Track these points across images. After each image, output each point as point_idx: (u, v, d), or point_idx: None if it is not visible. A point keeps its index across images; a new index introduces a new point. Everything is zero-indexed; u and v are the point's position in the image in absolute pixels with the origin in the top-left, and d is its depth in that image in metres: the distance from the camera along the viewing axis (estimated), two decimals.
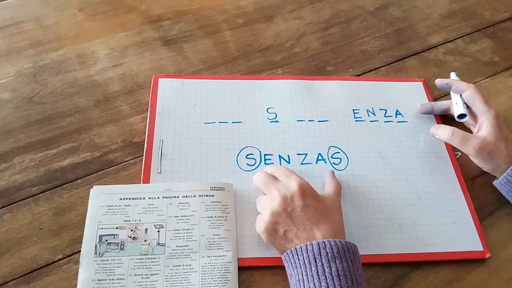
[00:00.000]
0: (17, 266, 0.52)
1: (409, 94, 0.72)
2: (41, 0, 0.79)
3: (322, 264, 0.46)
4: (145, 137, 0.62)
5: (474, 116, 0.64)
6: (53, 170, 0.59)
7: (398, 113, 0.70)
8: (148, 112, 0.65)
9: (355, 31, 0.82)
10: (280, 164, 0.62)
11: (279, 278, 0.54)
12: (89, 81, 0.69)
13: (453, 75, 0.71)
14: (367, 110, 0.69)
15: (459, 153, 0.66)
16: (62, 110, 0.65)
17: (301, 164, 0.63)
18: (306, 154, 0.64)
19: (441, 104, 0.69)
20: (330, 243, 0.47)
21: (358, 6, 0.86)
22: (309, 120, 0.67)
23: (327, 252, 0.46)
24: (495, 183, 0.61)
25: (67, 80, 0.69)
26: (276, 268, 0.54)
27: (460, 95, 0.65)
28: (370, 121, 0.68)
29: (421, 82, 0.74)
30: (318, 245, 0.47)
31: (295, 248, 0.48)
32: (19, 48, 0.72)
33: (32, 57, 0.71)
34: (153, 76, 0.69)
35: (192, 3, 0.82)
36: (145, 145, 0.61)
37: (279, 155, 0.63)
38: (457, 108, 0.65)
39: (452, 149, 0.67)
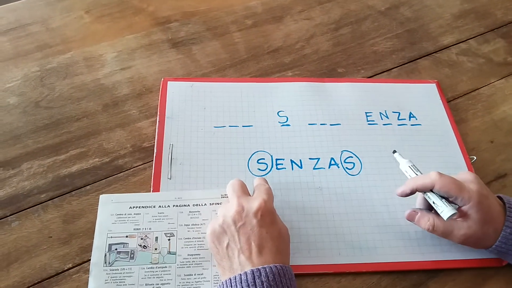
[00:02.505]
0: (27, 276, 0.51)
1: (423, 96, 0.71)
2: (47, 2, 0.78)
3: None
4: (154, 142, 0.61)
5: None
6: (62, 176, 0.58)
7: (411, 116, 0.68)
8: (157, 116, 0.64)
9: (366, 32, 0.81)
10: (292, 169, 0.61)
11: None
12: (97, 84, 0.68)
13: (399, 159, 0.58)
14: (380, 113, 0.68)
15: (475, 157, 0.65)
16: (70, 114, 0.64)
17: (314, 169, 0.61)
18: (319, 159, 0.62)
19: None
20: (266, 270, 0.44)
21: (368, 6, 0.85)
22: (321, 124, 0.66)
23: (262, 281, 0.44)
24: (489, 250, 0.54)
25: (74, 84, 0.67)
26: None
27: (431, 190, 0.53)
28: (383, 125, 0.67)
29: (434, 84, 0.73)
30: (253, 273, 0.44)
31: (230, 279, 0.45)
32: (26, 51, 0.71)
33: (39, 60, 0.70)
34: (162, 79, 0.68)
35: (200, 4, 0.81)
36: (155, 150, 0.60)
37: (291, 160, 0.62)
38: (440, 209, 0.52)
39: (467, 153, 0.65)
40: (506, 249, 0.51)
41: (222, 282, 0.46)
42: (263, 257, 0.46)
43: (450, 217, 0.51)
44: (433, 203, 0.53)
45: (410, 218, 0.55)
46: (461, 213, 0.52)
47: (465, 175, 0.54)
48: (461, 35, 0.82)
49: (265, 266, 0.45)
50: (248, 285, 0.44)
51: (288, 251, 0.51)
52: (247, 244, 0.47)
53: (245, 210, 0.49)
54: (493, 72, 0.77)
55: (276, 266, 0.45)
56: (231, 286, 0.45)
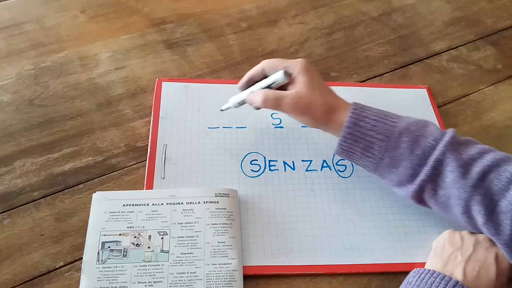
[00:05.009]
0: (18, 273, 0.51)
1: (413, 101, 0.72)
2: (42, 1, 0.78)
3: None
4: (148, 142, 0.62)
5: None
6: (55, 175, 0.58)
7: None
8: (152, 116, 0.64)
9: (359, 37, 0.82)
10: (285, 171, 0.62)
11: (283, 287, 0.53)
12: (91, 84, 0.68)
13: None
14: None
15: None
16: (64, 113, 0.64)
17: (306, 170, 0.62)
18: (311, 161, 0.63)
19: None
20: None
21: (361, 12, 0.86)
22: None
23: None
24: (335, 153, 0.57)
25: (68, 83, 0.67)
26: (281, 277, 0.53)
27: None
28: None
29: (425, 89, 0.74)
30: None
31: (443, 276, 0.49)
32: (20, 50, 0.71)
33: (33, 58, 0.70)
34: (157, 79, 0.68)
35: (195, 6, 0.81)
36: (149, 150, 0.61)
37: (283, 161, 0.63)
38: (270, 80, 0.57)
39: None
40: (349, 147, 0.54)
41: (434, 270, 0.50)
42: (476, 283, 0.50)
43: (282, 80, 0.56)
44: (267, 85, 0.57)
45: (248, 99, 0.59)
46: (291, 81, 0.56)
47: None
48: (452, 42, 0.84)
49: None
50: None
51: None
52: (472, 265, 0.51)
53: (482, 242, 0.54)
54: (483, 79, 0.79)
55: None
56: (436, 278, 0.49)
